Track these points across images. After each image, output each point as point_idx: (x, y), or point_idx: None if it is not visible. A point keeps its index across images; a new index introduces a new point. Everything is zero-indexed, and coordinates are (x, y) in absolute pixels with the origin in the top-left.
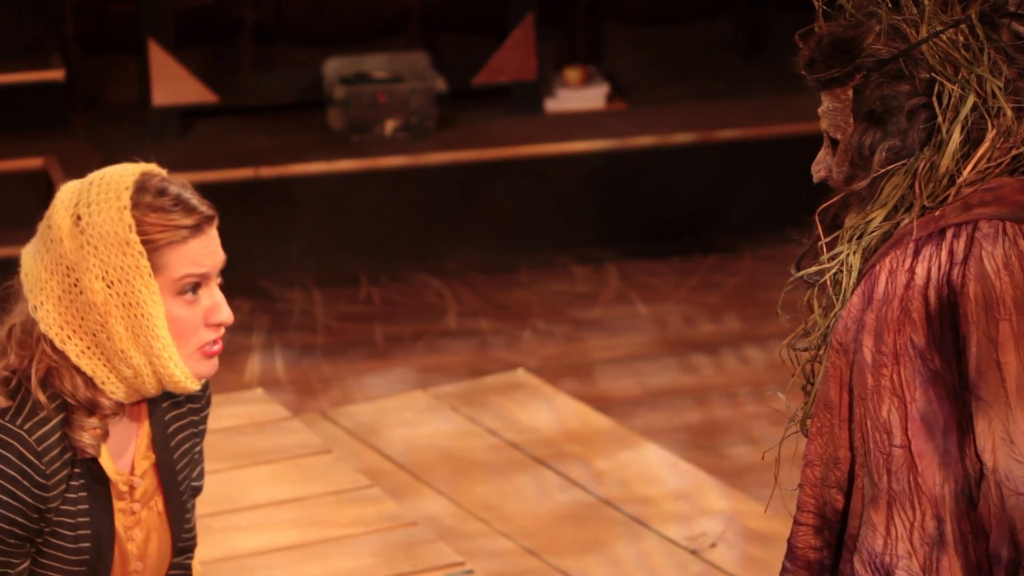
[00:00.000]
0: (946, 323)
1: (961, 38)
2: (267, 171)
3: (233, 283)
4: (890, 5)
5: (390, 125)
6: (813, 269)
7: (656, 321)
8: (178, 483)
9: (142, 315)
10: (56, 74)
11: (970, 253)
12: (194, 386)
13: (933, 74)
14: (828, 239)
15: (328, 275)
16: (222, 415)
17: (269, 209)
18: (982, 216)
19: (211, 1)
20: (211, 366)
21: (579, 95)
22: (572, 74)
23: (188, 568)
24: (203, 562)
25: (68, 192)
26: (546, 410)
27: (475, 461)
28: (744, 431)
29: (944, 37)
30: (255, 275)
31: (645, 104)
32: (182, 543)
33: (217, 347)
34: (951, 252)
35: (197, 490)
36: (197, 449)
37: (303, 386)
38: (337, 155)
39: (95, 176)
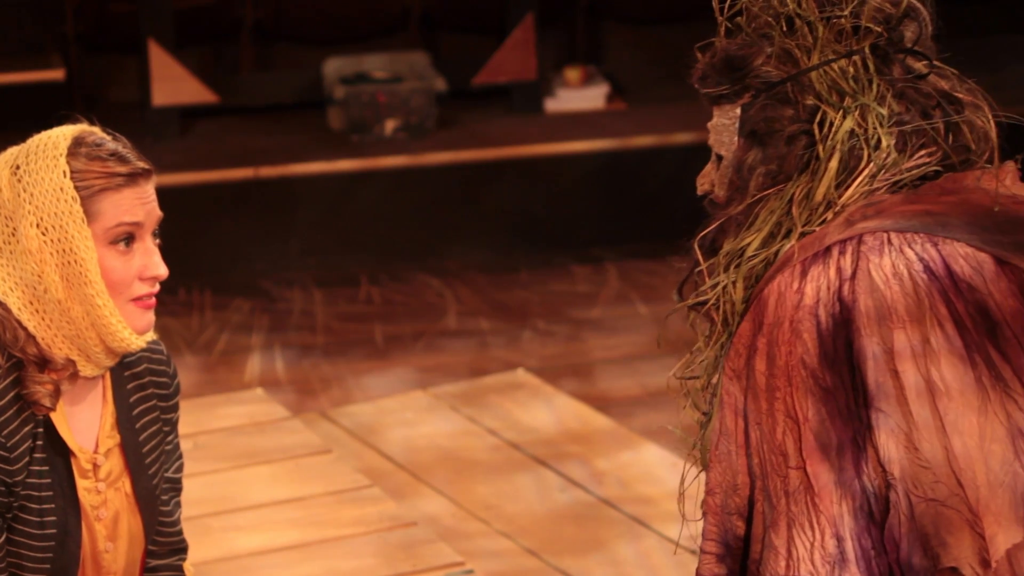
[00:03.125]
0: (840, 340)
1: (852, 70)
2: (267, 171)
3: (233, 283)
4: (785, 29)
5: (390, 125)
6: (691, 301)
7: (656, 321)
8: (146, 466)
9: (75, 261)
10: (56, 74)
11: (858, 267)
12: (137, 341)
13: (818, 101)
14: (706, 264)
15: (328, 275)
16: (222, 415)
17: (269, 209)
18: (865, 230)
19: (211, 1)
20: (147, 320)
21: (579, 95)
22: (572, 74)
23: (180, 570)
24: (203, 562)
25: (10, 150)
26: (546, 410)
27: (475, 461)
28: None
29: (836, 67)
30: (255, 275)
31: (645, 104)
32: (163, 537)
33: (151, 300)
34: (839, 269)
35: (175, 484)
36: (169, 439)
37: (303, 386)
38: (337, 155)
39: (37, 135)
